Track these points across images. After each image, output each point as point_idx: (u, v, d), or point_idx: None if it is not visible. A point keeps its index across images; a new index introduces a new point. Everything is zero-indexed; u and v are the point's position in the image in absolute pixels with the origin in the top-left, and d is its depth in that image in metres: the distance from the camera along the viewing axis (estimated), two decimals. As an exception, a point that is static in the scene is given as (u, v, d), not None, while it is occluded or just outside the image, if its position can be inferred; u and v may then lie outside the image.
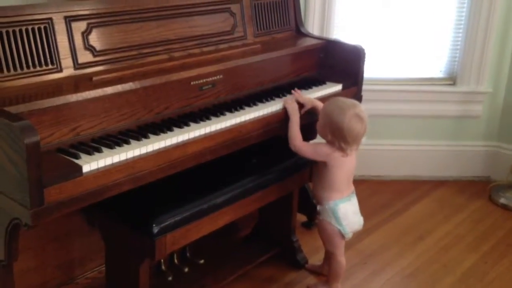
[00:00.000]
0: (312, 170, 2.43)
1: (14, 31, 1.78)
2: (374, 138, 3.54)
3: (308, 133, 2.41)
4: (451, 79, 3.56)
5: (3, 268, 1.80)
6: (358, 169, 3.54)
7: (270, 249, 2.65)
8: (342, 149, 2.23)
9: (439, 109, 3.56)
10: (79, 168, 1.65)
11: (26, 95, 1.75)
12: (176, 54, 2.23)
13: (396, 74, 3.53)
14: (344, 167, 2.30)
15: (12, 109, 1.62)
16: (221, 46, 2.42)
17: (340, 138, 2.20)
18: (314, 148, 2.29)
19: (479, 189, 3.58)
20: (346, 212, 2.34)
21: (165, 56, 2.19)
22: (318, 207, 2.39)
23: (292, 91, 2.42)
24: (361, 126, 2.22)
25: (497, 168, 3.65)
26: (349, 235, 2.38)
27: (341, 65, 2.74)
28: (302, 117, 2.34)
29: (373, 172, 3.66)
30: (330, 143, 2.25)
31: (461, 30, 3.46)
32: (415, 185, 3.62)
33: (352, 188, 2.40)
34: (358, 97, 2.77)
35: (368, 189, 3.52)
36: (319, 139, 2.39)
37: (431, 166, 3.68)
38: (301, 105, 2.37)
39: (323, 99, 2.52)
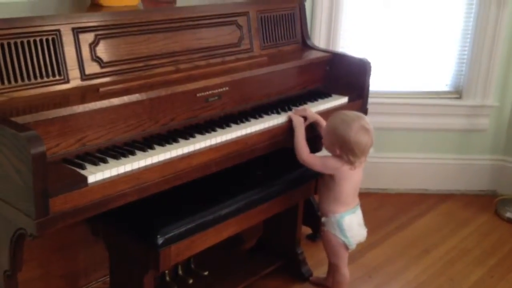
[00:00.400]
0: (318, 183, 2.43)
1: (22, 42, 1.79)
2: (380, 151, 3.54)
3: (312, 146, 2.40)
4: (457, 92, 3.56)
5: (8, 278, 1.80)
6: (363, 182, 3.53)
7: (275, 261, 2.64)
8: (350, 162, 2.23)
9: (445, 122, 3.55)
10: (85, 178, 1.66)
11: (33, 105, 1.76)
12: (183, 66, 2.24)
13: (402, 87, 3.53)
14: (352, 180, 2.30)
15: (19, 120, 1.63)
16: (228, 58, 2.43)
17: (348, 151, 2.21)
18: (322, 162, 2.28)
19: (485, 203, 3.56)
20: (351, 224, 2.34)
21: (171, 68, 2.20)
22: (323, 219, 2.39)
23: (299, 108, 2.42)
24: (368, 138, 2.22)
25: (504, 182, 3.64)
26: (353, 246, 2.39)
27: (347, 78, 2.75)
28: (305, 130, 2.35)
29: (379, 185, 3.65)
30: (338, 157, 2.25)
31: (467, 44, 3.46)
32: (421, 198, 3.60)
33: (357, 200, 2.40)
34: (364, 110, 2.77)
35: (373, 202, 3.51)
36: (324, 152, 2.39)
37: (437, 179, 3.66)
38: (304, 118, 2.37)
39: (328, 111, 2.53)
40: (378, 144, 3.51)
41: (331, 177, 2.30)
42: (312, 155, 2.30)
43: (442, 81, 3.57)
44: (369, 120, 2.28)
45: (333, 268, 2.48)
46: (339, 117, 2.26)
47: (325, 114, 2.50)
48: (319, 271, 2.74)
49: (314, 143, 2.45)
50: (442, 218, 3.38)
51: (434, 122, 3.55)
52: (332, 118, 2.28)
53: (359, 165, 2.27)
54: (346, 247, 2.37)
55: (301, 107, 2.43)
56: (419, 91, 3.54)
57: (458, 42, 3.48)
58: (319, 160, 2.29)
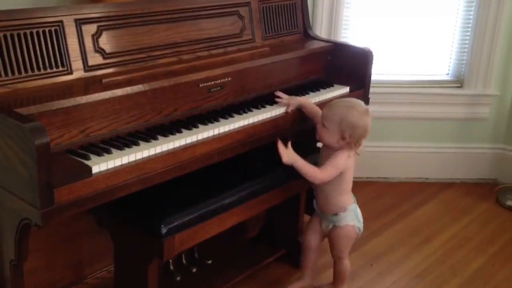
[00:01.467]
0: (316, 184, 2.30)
1: (25, 34, 1.80)
2: (380, 140, 3.56)
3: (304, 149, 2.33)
4: (458, 81, 3.56)
5: (13, 268, 1.82)
6: (365, 171, 3.59)
7: (277, 250, 2.66)
8: (357, 148, 2.21)
9: (446, 111, 3.56)
10: (89, 169, 1.67)
11: (37, 96, 1.76)
12: (185, 57, 2.25)
13: (402, 77, 3.53)
14: (353, 163, 2.27)
15: (23, 111, 1.63)
16: (230, 48, 2.44)
17: (359, 136, 2.18)
18: (335, 168, 2.20)
19: (486, 191, 3.58)
20: (358, 211, 2.36)
21: (174, 59, 2.21)
22: (338, 216, 2.31)
23: (277, 95, 2.37)
24: (370, 119, 2.21)
25: (504, 171, 3.65)
26: (361, 232, 2.39)
27: (348, 67, 2.75)
28: (296, 123, 2.33)
29: (379, 174, 3.67)
30: (344, 146, 2.19)
31: (468, 33, 3.46)
32: (422, 187, 3.62)
33: None
34: (366, 100, 2.77)
35: (375, 191, 3.53)
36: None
37: (438, 168, 3.68)
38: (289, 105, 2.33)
39: (330, 101, 2.53)
40: (379, 133, 3.55)
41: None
42: (322, 171, 2.20)
43: (443, 70, 3.58)
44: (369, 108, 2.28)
45: (335, 261, 2.46)
46: (342, 105, 2.22)
47: (325, 104, 2.51)
48: (321, 260, 2.75)
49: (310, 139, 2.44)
50: (443, 207, 3.39)
51: (435, 111, 3.55)
52: (334, 107, 2.21)
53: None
54: (358, 235, 2.38)
55: (279, 96, 2.36)
56: (420, 80, 3.54)
57: (459, 30, 3.48)
58: (331, 168, 2.20)
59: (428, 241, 3.01)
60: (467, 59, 3.50)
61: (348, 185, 2.30)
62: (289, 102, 2.33)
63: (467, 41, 3.48)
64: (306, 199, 2.70)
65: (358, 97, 2.67)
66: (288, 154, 2.17)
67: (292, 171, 2.38)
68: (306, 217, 2.91)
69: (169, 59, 2.19)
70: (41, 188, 1.53)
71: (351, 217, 2.32)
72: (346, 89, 2.66)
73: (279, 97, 2.36)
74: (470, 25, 3.45)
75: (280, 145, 2.16)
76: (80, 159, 1.72)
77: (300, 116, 2.38)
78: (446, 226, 3.17)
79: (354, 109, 2.18)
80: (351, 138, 2.17)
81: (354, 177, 2.34)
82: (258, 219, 2.72)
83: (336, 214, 2.32)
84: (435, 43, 3.51)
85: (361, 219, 2.35)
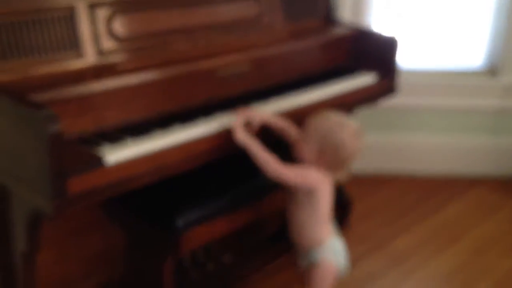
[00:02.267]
0: (288, 209, 2.01)
1: (39, 20, 1.77)
2: (407, 132, 3.47)
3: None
4: (491, 71, 3.44)
5: (25, 260, 1.81)
6: (389, 166, 3.51)
7: (294, 249, 2.61)
8: (336, 172, 1.92)
9: (477, 102, 3.45)
10: (102, 158, 1.62)
11: (49, 83, 1.72)
12: (201, 43, 2.19)
13: (433, 66, 3.44)
14: (330, 190, 1.96)
15: (36, 97, 1.60)
16: (247, 34, 2.36)
17: (339, 159, 1.88)
18: (300, 173, 1.89)
19: (518, 188, 3.48)
20: (339, 248, 2.05)
21: (189, 45, 2.15)
22: (315, 251, 1.98)
23: (238, 112, 1.96)
24: (360, 143, 1.92)
25: (538, 167, 3.53)
26: (344, 269, 2.08)
27: (373, 55, 2.66)
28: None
29: (405, 169, 3.57)
30: (321, 166, 1.90)
31: (502, 19, 3.33)
32: (450, 182, 3.52)
33: None
34: (391, 90, 2.70)
35: (400, 187, 3.45)
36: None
37: (468, 162, 3.57)
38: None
39: (353, 91, 2.47)
40: (406, 125, 3.47)
41: (308, 197, 1.92)
42: (282, 166, 1.87)
43: (476, 59, 3.47)
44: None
45: None
46: (330, 119, 1.91)
47: (350, 94, 2.45)
48: None
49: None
50: (472, 204, 3.29)
51: (466, 102, 3.44)
52: (319, 120, 1.92)
53: (341, 177, 1.96)
54: (340, 273, 2.06)
55: (240, 114, 1.94)
56: (451, 69, 3.45)
57: (493, 18, 3.36)
58: (294, 171, 1.88)
59: (456, 240, 2.92)
60: (501, 48, 3.37)
61: (324, 214, 1.97)
62: (250, 118, 1.95)
63: (501, 29, 3.35)
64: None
65: (383, 87, 2.62)
66: (241, 134, 1.89)
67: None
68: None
69: (185, 44, 2.14)
70: (53, 178, 1.50)
71: (328, 252, 1.99)
72: (370, 78, 2.57)
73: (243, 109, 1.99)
74: (504, 13, 3.32)
75: (240, 118, 1.90)
76: (93, 148, 1.67)
77: (323, 105, 2.29)
78: (475, 224, 3.07)
79: (343, 127, 1.87)
80: (329, 159, 1.88)
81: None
82: (277, 216, 2.66)
83: (311, 249, 2.01)
84: (468, 31, 3.42)
85: (343, 254, 2.04)
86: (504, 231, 3.01)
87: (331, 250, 1.99)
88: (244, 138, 1.89)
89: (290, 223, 2.02)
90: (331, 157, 1.88)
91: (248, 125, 1.95)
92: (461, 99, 3.44)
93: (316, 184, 1.89)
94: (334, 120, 1.91)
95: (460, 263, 2.72)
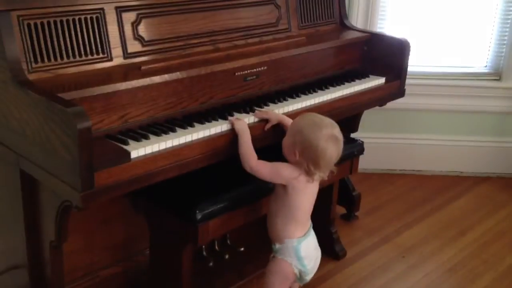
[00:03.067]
0: (270, 200, 2.04)
1: (68, 21, 1.83)
2: (415, 132, 3.54)
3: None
4: (497, 74, 3.49)
5: (53, 249, 1.87)
6: (399, 163, 3.57)
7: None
8: (309, 173, 1.89)
9: (483, 104, 3.51)
10: (128, 154, 1.70)
11: (78, 82, 1.80)
12: (221, 45, 2.27)
13: (439, 68, 3.49)
14: (309, 193, 1.95)
15: (65, 96, 1.67)
16: (266, 38, 2.45)
17: (310, 159, 1.86)
18: (274, 168, 1.91)
19: (523, 186, 3.51)
20: (308, 250, 2.00)
21: (210, 47, 2.23)
22: (275, 246, 2.00)
23: (256, 111, 2.09)
24: (336, 149, 1.88)
25: (542, 166, 3.58)
26: (308, 277, 2.04)
27: (384, 58, 2.73)
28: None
29: (414, 167, 3.63)
30: (296, 164, 1.91)
31: (508, 24, 3.39)
32: (457, 180, 3.58)
33: (310, 221, 2.07)
34: (401, 91, 2.76)
35: (408, 184, 3.51)
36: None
37: (474, 162, 3.63)
38: (265, 121, 2.07)
39: (365, 92, 2.54)
40: (414, 125, 3.53)
41: (283, 189, 1.94)
42: (261, 161, 1.93)
43: (481, 62, 3.52)
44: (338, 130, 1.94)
45: None
46: (310, 118, 1.94)
47: (361, 95, 2.52)
48: (352, 251, 2.77)
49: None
50: (478, 201, 3.35)
51: (472, 104, 3.50)
52: (302, 117, 1.96)
53: (318, 179, 1.94)
54: (299, 278, 2.02)
55: (263, 109, 2.11)
56: (457, 72, 3.49)
57: (498, 22, 3.41)
58: (269, 166, 1.92)
59: (462, 234, 2.98)
60: (506, 51, 3.43)
61: (296, 213, 1.95)
62: (270, 117, 2.07)
63: (506, 33, 3.41)
64: (339, 190, 2.71)
65: (393, 88, 2.68)
66: (243, 123, 1.98)
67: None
68: (339, 209, 2.93)
69: (206, 47, 2.22)
70: (82, 171, 1.56)
71: (289, 253, 1.97)
72: (381, 80, 2.64)
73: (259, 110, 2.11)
74: (509, 16, 3.38)
75: (258, 115, 2.02)
76: (119, 144, 1.75)
77: (335, 106, 2.38)
78: (481, 220, 3.13)
79: (318, 127, 1.87)
80: (302, 158, 1.88)
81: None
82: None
83: (274, 242, 2.02)
84: (474, 34, 3.45)
85: (307, 263, 1.99)
86: (508, 227, 3.06)
87: (291, 251, 1.96)
88: (242, 127, 1.96)
89: (268, 211, 2.05)
90: (304, 154, 1.87)
91: (264, 124, 2.06)
92: (468, 101, 3.49)
93: (288, 180, 1.90)
94: (310, 118, 1.93)
95: (465, 256, 2.78)
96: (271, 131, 2.08)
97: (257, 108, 2.12)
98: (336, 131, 1.90)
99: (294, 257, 1.97)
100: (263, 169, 1.92)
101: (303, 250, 1.97)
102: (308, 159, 1.87)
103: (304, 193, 1.94)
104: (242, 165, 1.94)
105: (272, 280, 2.03)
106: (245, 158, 1.93)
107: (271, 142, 2.10)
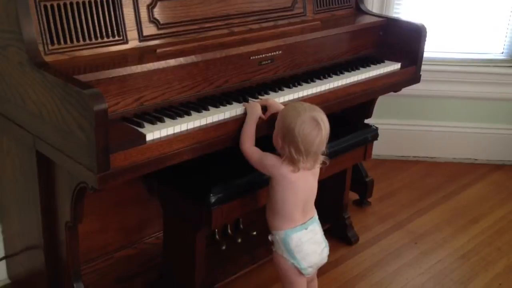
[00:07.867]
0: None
1: (84, 3, 1.84)
2: (430, 119, 3.52)
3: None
4: (513, 60, 3.46)
5: (69, 230, 1.89)
6: (412, 150, 3.55)
7: (322, 224, 2.66)
8: (292, 161, 1.84)
9: (499, 91, 3.47)
10: (143, 136, 1.71)
11: (94, 64, 1.80)
12: (236, 29, 2.26)
13: (455, 55, 3.46)
14: (297, 188, 1.89)
15: (81, 78, 1.67)
16: (281, 22, 2.44)
17: (291, 143, 1.82)
18: (260, 156, 1.91)
19: (538, 174, 3.49)
20: (299, 243, 1.93)
21: (225, 31, 2.23)
22: (270, 237, 2.01)
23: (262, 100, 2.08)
24: (317, 133, 1.82)
25: (558, 154, 3.55)
26: (307, 270, 1.96)
27: (400, 43, 2.71)
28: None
29: (427, 153, 3.62)
30: (281, 152, 1.88)
31: (526, 10, 3.34)
32: (471, 168, 3.56)
33: (312, 214, 2.01)
34: (417, 77, 2.74)
35: (422, 170, 3.50)
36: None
37: (489, 149, 3.61)
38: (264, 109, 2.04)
39: (380, 77, 2.52)
40: (429, 112, 3.51)
41: (271, 183, 1.93)
42: (254, 147, 1.94)
43: (498, 49, 3.48)
44: (323, 115, 1.88)
45: None
46: (292, 104, 1.93)
47: (376, 80, 2.51)
48: (365, 237, 2.77)
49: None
50: (492, 188, 3.34)
51: (488, 90, 3.47)
52: (287, 105, 1.96)
53: (304, 167, 1.87)
54: (299, 271, 1.96)
55: (263, 98, 2.10)
56: (474, 58, 3.46)
57: (515, 8, 3.37)
58: (258, 154, 1.92)
59: (475, 222, 2.97)
60: (523, 38, 3.39)
61: (285, 209, 1.91)
62: (269, 105, 2.03)
63: (524, 19, 3.36)
64: (352, 176, 2.71)
65: (409, 74, 2.66)
66: (254, 106, 1.98)
67: (340, 147, 2.39)
68: (351, 194, 2.93)
69: (221, 31, 2.21)
70: (98, 153, 1.57)
71: (279, 245, 1.96)
72: (397, 65, 2.62)
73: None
74: (528, 2, 3.33)
75: (264, 102, 2.02)
76: (134, 127, 1.77)
77: (350, 91, 2.37)
78: (494, 207, 3.12)
79: (297, 111, 1.84)
80: (284, 143, 1.85)
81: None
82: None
83: (270, 229, 2.00)
84: (490, 20, 3.41)
85: (299, 256, 1.93)
86: (522, 215, 3.05)
87: (280, 243, 1.94)
88: (253, 108, 1.97)
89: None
90: (286, 139, 1.84)
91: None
92: (484, 88, 3.46)
93: (271, 171, 1.90)
94: (292, 105, 1.92)
95: (478, 244, 2.78)
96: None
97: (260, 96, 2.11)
98: (316, 113, 1.85)
99: (284, 250, 1.95)
100: (253, 154, 1.93)
101: (293, 242, 1.92)
102: (289, 144, 1.83)
103: (292, 189, 1.88)
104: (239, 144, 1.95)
105: (280, 276, 2.02)
106: (242, 138, 1.95)
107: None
